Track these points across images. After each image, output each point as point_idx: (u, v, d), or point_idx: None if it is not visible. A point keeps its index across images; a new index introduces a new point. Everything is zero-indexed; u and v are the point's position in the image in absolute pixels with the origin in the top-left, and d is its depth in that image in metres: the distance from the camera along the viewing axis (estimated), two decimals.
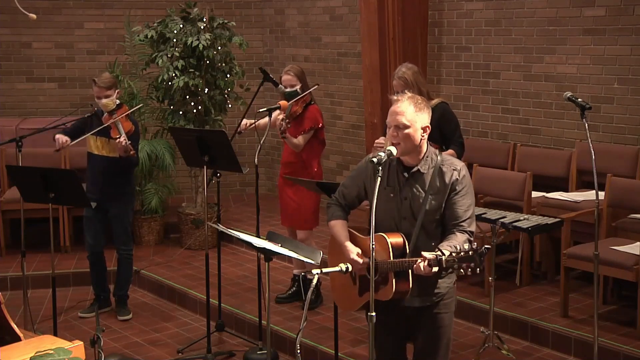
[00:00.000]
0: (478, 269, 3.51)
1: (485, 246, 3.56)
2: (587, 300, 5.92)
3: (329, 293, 5.87)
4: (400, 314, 3.89)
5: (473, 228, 3.80)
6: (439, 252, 3.56)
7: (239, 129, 6.02)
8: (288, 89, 6.07)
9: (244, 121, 6.03)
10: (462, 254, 3.51)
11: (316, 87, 6.15)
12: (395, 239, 3.75)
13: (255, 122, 6.08)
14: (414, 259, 3.65)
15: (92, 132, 6.15)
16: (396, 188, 3.82)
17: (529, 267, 6.40)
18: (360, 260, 3.82)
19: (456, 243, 3.63)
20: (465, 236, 3.72)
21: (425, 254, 3.61)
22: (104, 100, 6.16)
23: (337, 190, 4.10)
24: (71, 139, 6.11)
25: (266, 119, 5.84)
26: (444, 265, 3.55)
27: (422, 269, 3.59)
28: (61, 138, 6.07)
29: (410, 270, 3.68)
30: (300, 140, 6.06)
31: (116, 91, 6.22)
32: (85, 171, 6.42)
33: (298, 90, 6.06)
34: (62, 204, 7.25)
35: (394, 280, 3.71)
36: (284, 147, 6.30)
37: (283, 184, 6.27)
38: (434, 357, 3.92)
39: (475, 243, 3.59)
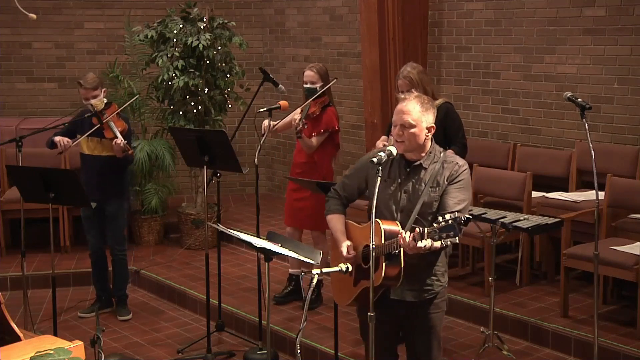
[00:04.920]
0: (457, 238, 3.46)
1: (466, 216, 3.47)
2: (587, 300, 5.92)
3: (329, 293, 5.87)
4: (392, 312, 3.92)
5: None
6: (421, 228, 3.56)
7: (262, 132, 5.83)
8: (308, 85, 6.00)
9: (265, 122, 5.85)
10: (442, 223, 3.47)
11: (335, 80, 6.09)
12: (390, 226, 3.75)
13: (277, 123, 5.97)
14: (399, 236, 3.63)
15: (86, 135, 6.13)
16: (397, 180, 3.85)
17: (529, 267, 6.40)
18: (349, 254, 3.89)
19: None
20: None
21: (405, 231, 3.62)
22: (93, 101, 6.15)
23: (338, 183, 4.14)
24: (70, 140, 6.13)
25: (285, 120, 5.86)
26: (426, 237, 3.52)
27: (407, 242, 3.57)
28: (63, 140, 6.07)
29: (402, 257, 3.68)
30: (313, 141, 6.00)
31: (103, 90, 6.22)
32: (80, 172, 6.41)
33: (317, 88, 5.99)
34: (62, 204, 7.24)
35: (384, 265, 3.72)
36: (296, 147, 6.25)
37: (299, 186, 6.07)
38: (429, 357, 3.96)
39: (456, 213, 3.55)
